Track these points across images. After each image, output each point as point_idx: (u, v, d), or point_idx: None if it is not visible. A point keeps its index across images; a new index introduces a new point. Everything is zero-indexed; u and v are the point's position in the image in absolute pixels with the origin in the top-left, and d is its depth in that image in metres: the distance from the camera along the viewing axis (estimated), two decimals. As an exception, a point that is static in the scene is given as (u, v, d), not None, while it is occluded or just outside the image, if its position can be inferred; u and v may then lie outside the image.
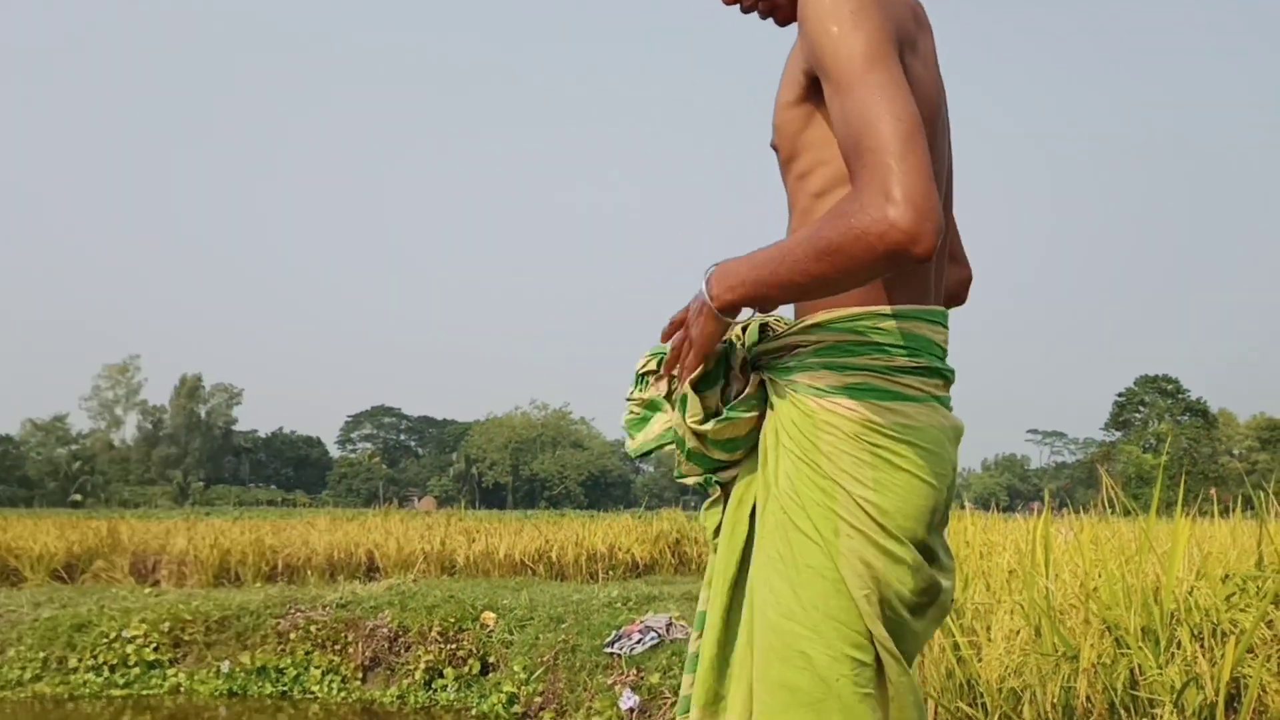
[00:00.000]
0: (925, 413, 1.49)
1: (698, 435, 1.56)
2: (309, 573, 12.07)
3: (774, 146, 1.63)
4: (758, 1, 1.64)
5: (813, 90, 1.50)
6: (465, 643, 8.71)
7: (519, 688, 7.29)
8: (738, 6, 1.63)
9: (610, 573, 11.89)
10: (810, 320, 1.50)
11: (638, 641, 6.41)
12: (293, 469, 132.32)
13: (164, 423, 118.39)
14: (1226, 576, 3.08)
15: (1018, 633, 3.72)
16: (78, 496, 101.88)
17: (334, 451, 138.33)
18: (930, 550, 1.50)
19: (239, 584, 12.28)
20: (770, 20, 1.68)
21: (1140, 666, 2.80)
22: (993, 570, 5.44)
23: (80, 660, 9.11)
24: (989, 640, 3.89)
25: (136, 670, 8.99)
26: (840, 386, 1.46)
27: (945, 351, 1.53)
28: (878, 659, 1.45)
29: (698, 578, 11.64)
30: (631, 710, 5.38)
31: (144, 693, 8.73)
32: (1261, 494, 3.96)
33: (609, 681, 6.03)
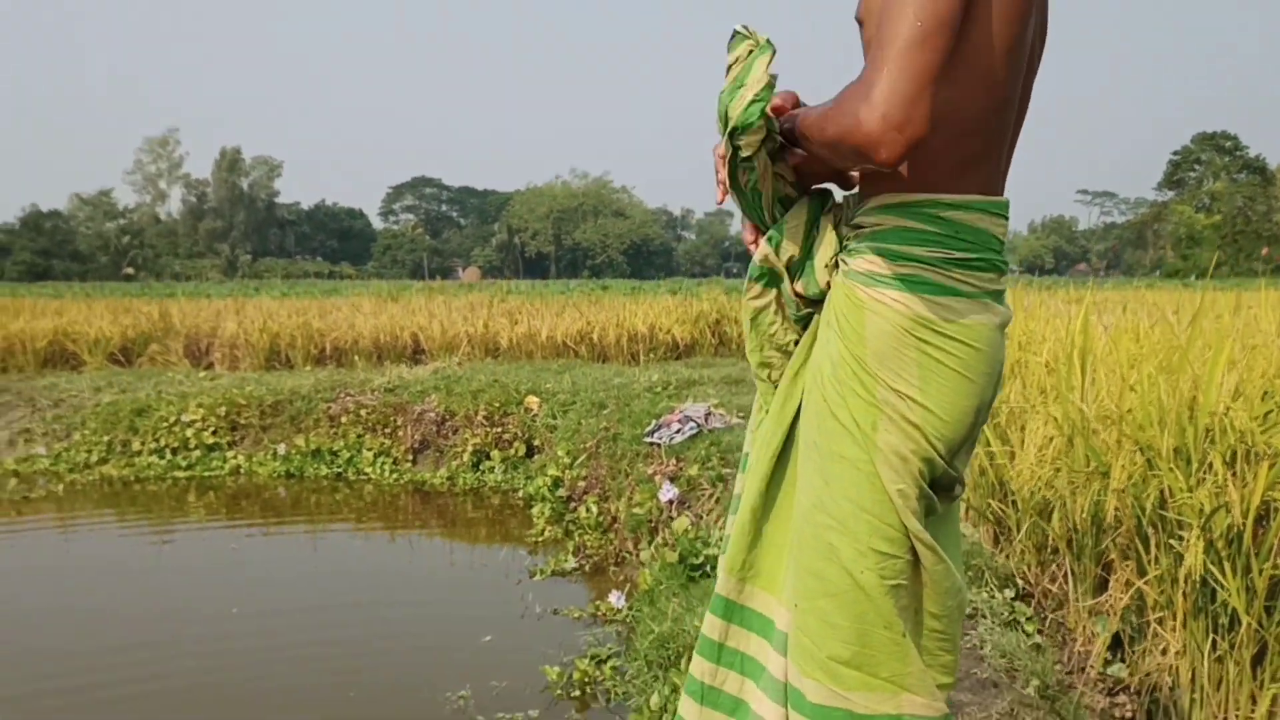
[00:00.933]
0: (977, 309, 1.46)
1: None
2: (356, 356, 12.32)
3: (858, 19, 1.56)
4: None
5: None
6: (510, 426, 8.95)
7: (563, 472, 7.51)
8: None
9: (651, 354, 12.04)
10: (873, 202, 1.46)
11: (676, 431, 6.54)
12: (337, 241, 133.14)
13: (207, 196, 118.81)
14: (1266, 394, 3.06)
15: (1050, 441, 3.74)
16: (130, 270, 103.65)
17: (377, 223, 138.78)
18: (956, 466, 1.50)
19: (289, 367, 12.59)
20: None
21: (1170, 488, 2.82)
22: (1030, 366, 5.42)
23: (143, 444, 9.47)
24: (1022, 447, 3.93)
25: (197, 453, 9.35)
26: (892, 276, 1.42)
27: (1003, 244, 1.48)
28: (912, 549, 1.46)
29: (737, 359, 11.78)
30: (670, 502, 5.54)
31: (206, 474, 9.09)
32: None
33: (649, 471, 6.19)
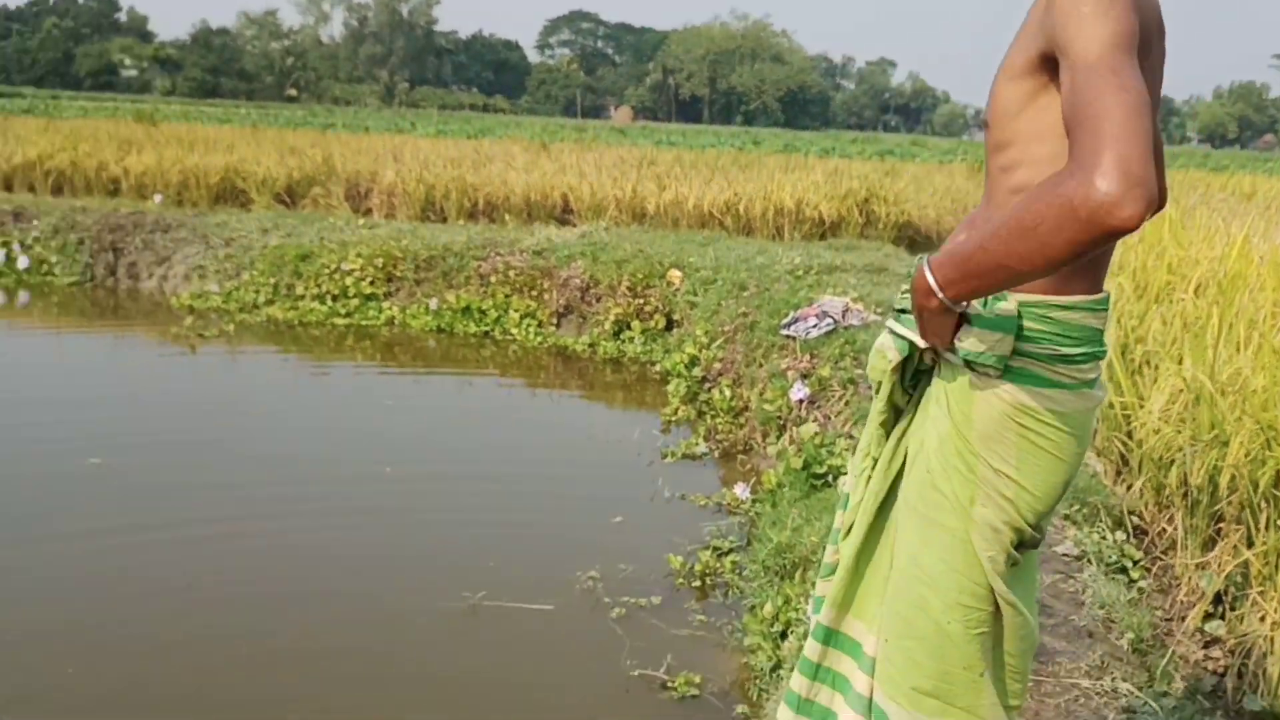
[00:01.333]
0: (1076, 399, 1.56)
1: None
2: (506, 214, 12.65)
3: (985, 123, 1.61)
4: None
5: (1041, 72, 1.49)
6: (652, 299, 9.18)
7: (700, 351, 7.74)
8: None
9: (796, 230, 12.06)
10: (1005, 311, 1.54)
11: (813, 326, 6.67)
12: (492, 73, 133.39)
13: (368, 20, 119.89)
14: None
15: (1180, 394, 3.79)
16: (292, 91, 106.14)
17: (532, 56, 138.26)
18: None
19: (443, 218, 13.02)
20: None
21: (1283, 471, 2.89)
22: (1174, 296, 5.36)
23: (306, 289, 10.03)
24: (1150, 396, 3.98)
25: (355, 301, 9.86)
26: (1003, 369, 1.54)
27: (1103, 333, 1.57)
28: (995, 604, 1.63)
29: (882, 241, 11.73)
30: (801, 401, 5.72)
31: (363, 323, 9.61)
32: None
33: (783, 365, 6.36)
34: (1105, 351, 1.58)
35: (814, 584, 2.12)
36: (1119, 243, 6.40)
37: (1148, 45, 1.42)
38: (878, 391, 1.75)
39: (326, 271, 10.10)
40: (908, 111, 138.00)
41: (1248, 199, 13.55)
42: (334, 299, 9.93)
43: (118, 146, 15.10)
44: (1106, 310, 1.55)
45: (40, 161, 14.09)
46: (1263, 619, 3.03)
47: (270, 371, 8.28)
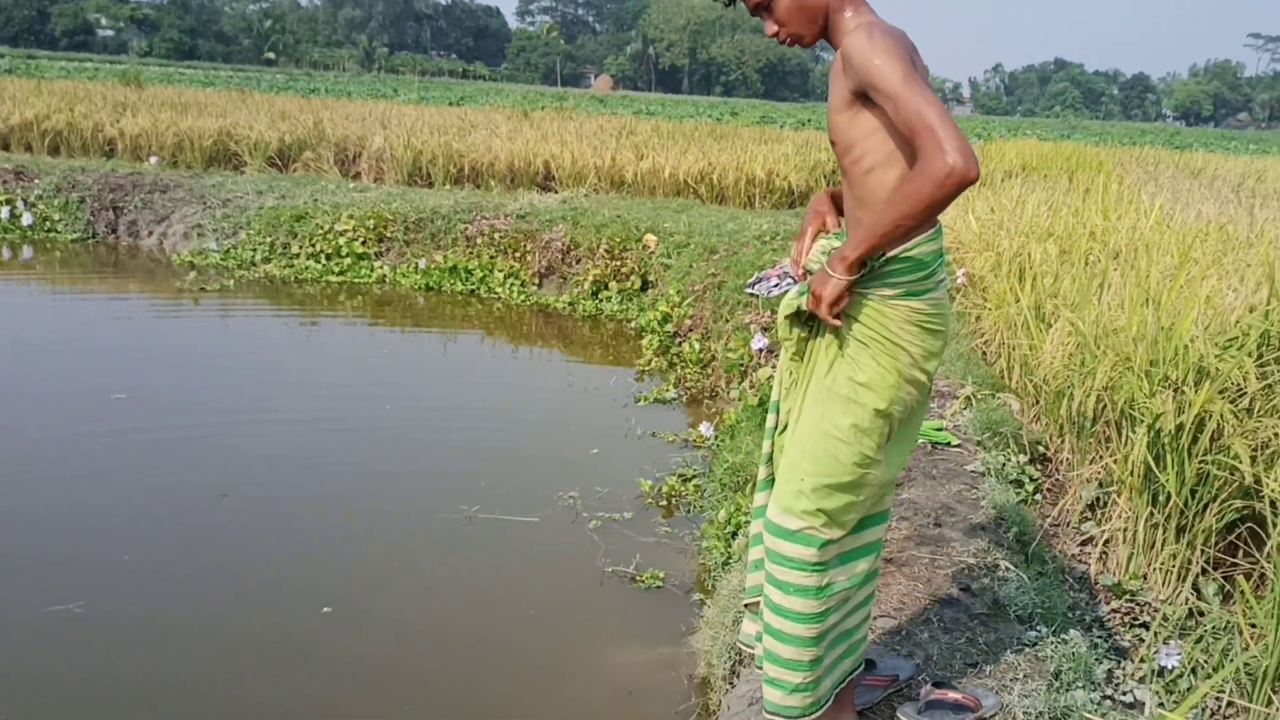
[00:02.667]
0: (940, 294, 2.27)
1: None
2: (491, 179, 13.24)
3: (833, 141, 2.30)
4: (781, 33, 2.29)
5: (855, 102, 2.18)
6: (629, 261, 9.81)
7: (672, 309, 8.38)
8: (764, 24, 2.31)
9: (766, 199, 12.70)
10: (886, 258, 2.22)
11: (775, 285, 7.29)
12: (472, 39, 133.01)
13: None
14: (1222, 333, 3.75)
15: (1070, 336, 4.47)
16: (270, 55, 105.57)
17: (512, 23, 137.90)
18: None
19: (429, 183, 13.59)
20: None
21: (1134, 394, 3.57)
22: (1088, 263, 6.02)
23: (301, 248, 10.61)
24: (1047, 342, 4.67)
25: (348, 260, 10.45)
26: (895, 295, 2.22)
27: (943, 249, 2.28)
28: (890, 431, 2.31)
29: (847, 210, 12.38)
30: (760, 350, 6.37)
31: (355, 280, 10.21)
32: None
33: (746, 320, 7.02)
34: (945, 257, 2.27)
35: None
36: (1050, 211, 7.16)
37: (912, 62, 2.14)
38: (782, 331, 2.42)
39: (320, 232, 10.67)
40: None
41: (1194, 175, 14.27)
42: (328, 258, 10.52)
43: (112, 108, 15.55)
44: (941, 234, 2.23)
45: (37, 122, 14.54)
46: (1120, 515, 3.71)
47: (275, 324, 8.86)
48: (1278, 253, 5.00)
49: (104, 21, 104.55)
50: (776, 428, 2.55)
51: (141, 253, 11.37)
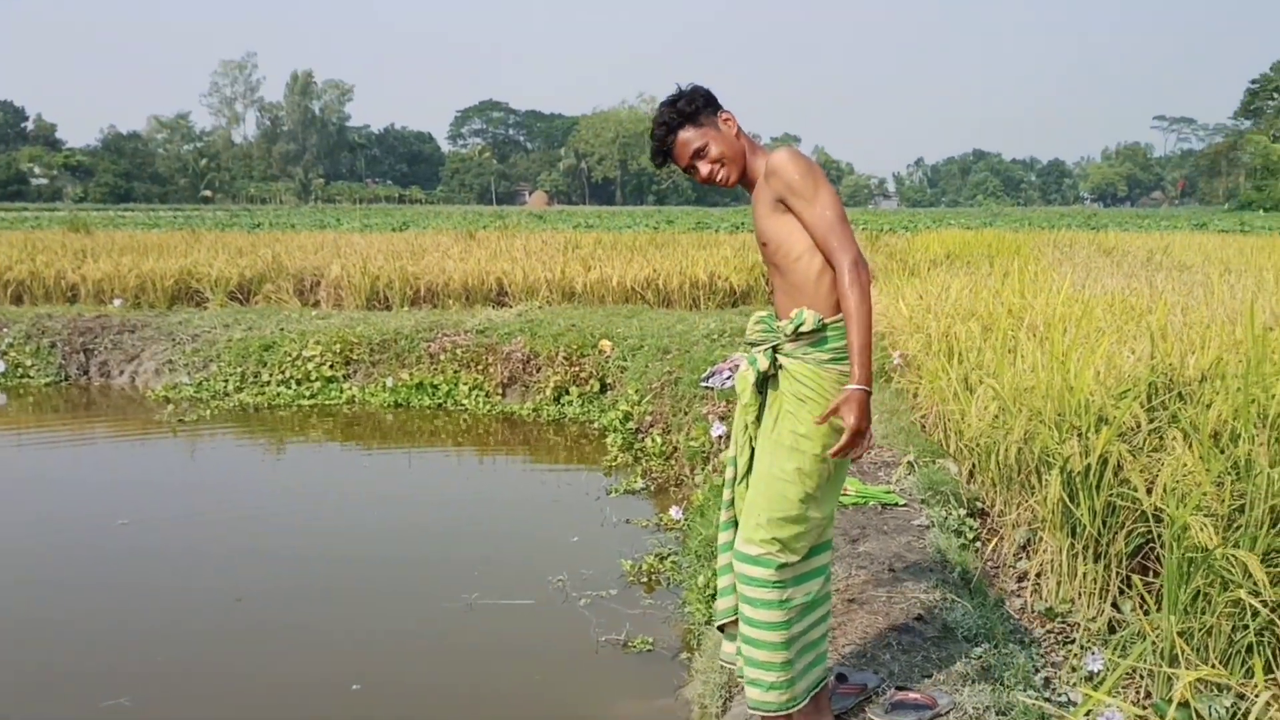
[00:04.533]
0: (843, 363, 2.83)
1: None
2: (447, 298, 13.83)
3: (762, 243, 2.90)
4: (715, 172, 2.92)
5: (779, 208, 2.80)
6: (586, 366, 10.39)
7: (632, 407, 8.94)
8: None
9: (710, 299, 13.40)
10: (813, 330, 2.79)
11: (727, 378, 7.92)
12: (406, 165, 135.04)
13: (281, 120, 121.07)
14: (1118, 385, 4.38)
15: (993, 399, 5.08)
16: (207, 193, 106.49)
17: (445, 147, 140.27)
18: None
19: (387, 306, 14.14)
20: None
21: (1047, 443, 4.17)
22: (1006, 338, 6.65)
23: (271, 375, 11.07)
24: (972, 407, 5.28)
25: (318, 384, 10.92)
26: (828, 359, 2.80)
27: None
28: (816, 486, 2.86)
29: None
30: (719, 437, 6.93)
31: (326, 402, 10.67)
32: None
33: (704, 411, 7.59)
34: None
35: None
36: (972, 294, 7.82)
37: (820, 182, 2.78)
38: (744, 398, 2.98)
39: (289, 359, 11.15)
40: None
41: (1107, 254, 15.22)
42: (298, 383, 10.98)
43: (73, 255, 16.01)
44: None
45: (0, 273, 14.94)
46: (1045, 550, 4.28)
47: (255, 448, 9.27)
48: (1168, 316, 5.70)
49: (36, 170, 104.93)
50: (735, 478, 3.10)
51: (114, 391, 11.75)
